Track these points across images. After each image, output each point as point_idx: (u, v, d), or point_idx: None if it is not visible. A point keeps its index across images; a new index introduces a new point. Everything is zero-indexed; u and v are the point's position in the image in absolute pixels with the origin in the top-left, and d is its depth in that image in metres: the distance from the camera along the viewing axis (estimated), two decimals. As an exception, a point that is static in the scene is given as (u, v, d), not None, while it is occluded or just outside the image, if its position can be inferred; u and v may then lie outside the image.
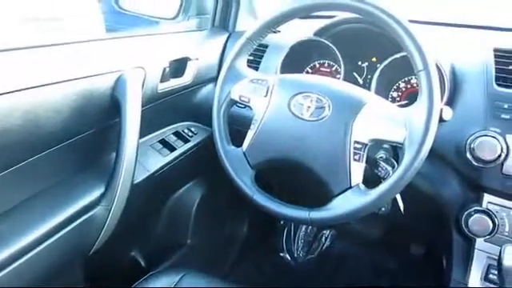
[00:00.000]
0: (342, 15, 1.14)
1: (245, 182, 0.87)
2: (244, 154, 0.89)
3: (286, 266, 1.69)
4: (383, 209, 0.96)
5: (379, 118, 0.79)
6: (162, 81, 1.10)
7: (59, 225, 0.87)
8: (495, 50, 0.99)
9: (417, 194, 1.00)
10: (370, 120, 0.79)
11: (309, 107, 0.83)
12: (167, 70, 1.10)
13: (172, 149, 1.19)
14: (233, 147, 0.91)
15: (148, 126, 1.12)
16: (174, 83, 1.15)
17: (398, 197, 0.94)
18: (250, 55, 1.00)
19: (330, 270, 1.67)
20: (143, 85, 1.02)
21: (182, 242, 1.44)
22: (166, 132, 1.22)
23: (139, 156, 1.01)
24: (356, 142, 0.79)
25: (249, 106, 0.91)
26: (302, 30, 1.19)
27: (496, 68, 0.96)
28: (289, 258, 1.71)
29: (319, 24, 1.18)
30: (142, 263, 1.32)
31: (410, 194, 0.92)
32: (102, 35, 1.08)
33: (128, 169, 0.95)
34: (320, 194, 0.81)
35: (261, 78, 0.91)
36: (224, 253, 1.61)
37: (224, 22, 1.35)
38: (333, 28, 1.15)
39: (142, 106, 0.99)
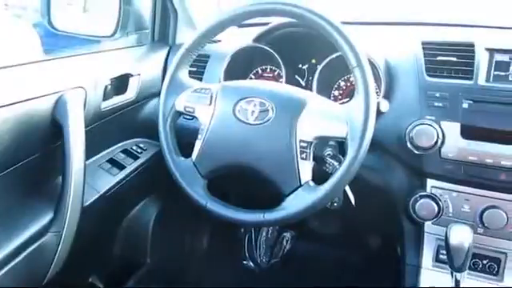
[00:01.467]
0: (277, 20, 1.17)
1: (197, 191, 0.87)
2: (194, 164, 0.89)
3: (251, 274, 1.69)
4: (335, 204, 0.99)
5: (321, 116, 0.81)
6: (104, 99, 1.08)
7: (7, 257, 0.83)
8: (423, 43, 1.05)
9: (366, 186, 1.04)
10: (313, 118, 0.81)
11: (253, 111, 0.84)
12: (109, 87, 1.09)
13: (121, 167, 1.17)
14: (182, 158, 0.91)
15: (94, 145, 1.09)
16: (118, 100, 1.13)
17: (349, 190, 0.97)
18: (192, 66, 1.00)
19: (294, 271, 1.69)
20: (85, 104, 1.00)
21: (142, 261, 1.40)
22: (114, 150, 1.20)
23: (88, 177, 0.99)
24: (301, 141, 0.81)
25: (195, 117, 0.92)
26: (242, 38, 1.21)
27: (425, 60, 1.02)
28: (252, 265, 1.71)
29: (258, 31, 1.20)
30: (102, 288, 1.29)
31: (360, 187, 0.95)
32: (38, 57, 1.04)
33: (76, 192, 0.93)
34: (273, 196, 0.83)
35: (204, 87, 0.92)
36: (186, 268, 1.59)
37: (164, 35, 1.35)
38: (271, 33, 1.18)
39: (86, 126, 0.97)
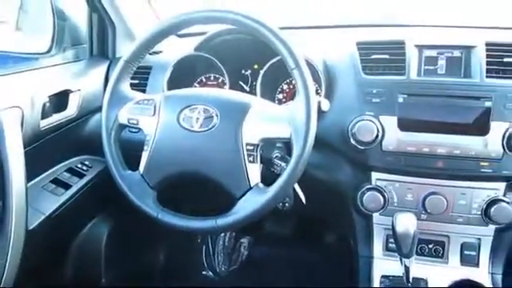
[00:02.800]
0: (216, 28, 1.18)
1: (147, 203, 0.86)
2: (142, 176, 0.88)
3: (211, 283, 1.68)
4: (287, 204, 1.01)
5: (264, 119, 0.83)
6: (43, 117, 1.04)
7: None
8: (358, 44, 1.10)
9: (316, 184, 1.07)
10: (257, 121, 0.83)
11: (197, 119, 0.85)
12: (47, 105, 1.05)
13: (67, 187, 1.13)
14: (129, 172, 0.90)
15: (36, 166, 1.05)
16: (58, 118, 1.10)
17: (299, 190, 0.99)
18: (135, 79, 0.99)
19: (254, 277, 1.69)
20: (22, 124, 0.96)
21: (96, 282, 1.36)
22: (58, 170, 1.16)
23: (31, 200, 0.95)
24: (248, 144, 0.82)
25: (139, 128, 0.90)
26: (183, 48, 1.21)
27: (361, 59, 1.07)
28: (212, 275, 1.70)
29: (198, 40, 1.21)
30: (55, 314, 1.23)
31: (310, 186, 0.98)
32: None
33: (18, 215, 0.89)
34: (226, 201, 0.83)
35: (146, 98, 0.91)
36: (144, 284, 1.55)
37: (103, 49, 1.33)
38: (211, 41, 1.19)
39: (25, 147, 0.94)
